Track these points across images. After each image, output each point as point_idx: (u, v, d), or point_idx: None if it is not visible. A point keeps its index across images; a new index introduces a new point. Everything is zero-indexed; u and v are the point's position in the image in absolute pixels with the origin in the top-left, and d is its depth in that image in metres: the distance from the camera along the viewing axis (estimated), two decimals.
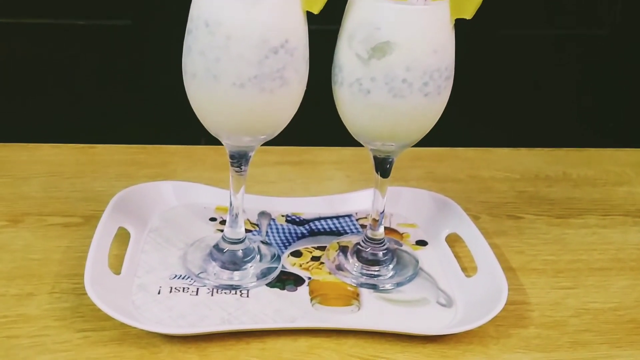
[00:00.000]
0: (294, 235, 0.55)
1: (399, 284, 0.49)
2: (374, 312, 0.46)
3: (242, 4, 0.39)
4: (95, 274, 0.44)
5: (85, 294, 0.42)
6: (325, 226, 0.56)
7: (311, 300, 0.47)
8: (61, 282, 0.47)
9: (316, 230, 0.55)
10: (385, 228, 0.53)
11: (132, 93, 1.07)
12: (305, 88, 0.44)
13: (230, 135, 0.44)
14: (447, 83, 0.44)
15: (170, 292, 0.46)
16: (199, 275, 0.48)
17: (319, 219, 0.57)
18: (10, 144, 0.67)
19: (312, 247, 0.53)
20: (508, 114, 1.14)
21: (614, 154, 0.75)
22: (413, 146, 0.48)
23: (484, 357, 0.43)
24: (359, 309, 0.47)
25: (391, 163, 0.48)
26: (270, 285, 0.48)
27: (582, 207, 0.64)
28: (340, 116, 0.46)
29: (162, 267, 0.49)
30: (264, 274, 0.49)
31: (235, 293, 0.47)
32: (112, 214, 0.51)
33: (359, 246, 0.52)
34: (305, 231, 0.55)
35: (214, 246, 0.50)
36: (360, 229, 0.56)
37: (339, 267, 0.50)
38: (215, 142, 0.49)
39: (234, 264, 0.49)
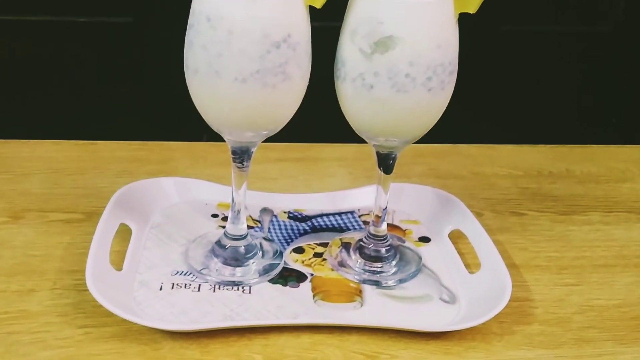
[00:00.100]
0: (296, 231, 0.54)
1: (401, 281, 0.49)
2: (377, 308, 0.46)
3: None
4: (97, 270, 0.44)
5: (87, 290, 0.42)
6: (328, 223, 0.56)
7: (314, 296, 0.47)
8: (62, 279, 0.47)
9: (318, 227, 0.55)
10: (388, 224, 0.53)
11: (134, 90, 1.07)
12: (307, 83, 0.43)
13: (232, 131, 0.44)
14: (451, 78, 0.43)
15: (172, 288, 0.46)
16: (201, 271, 0.48)
17: (321, 215, 0.57)
18: (11, 140, 0.67)
19: (315, 243, 0.53)
20: (511, 111, 1.13)
21: (618, 150, 0.75)
22: (415, 143, 0.47)
23: (487, 354, 0.43)
24: (361, 305, 0.46)
25: (394, 159, 0.48)
26: (273, 281, 0.48)
27: (585, 203, 0.63)
28: (343, 112, 0.46)
29: (163, 264, 0.48)
30: (266, 270, 0.48)
31: (237, 289, 0.46)
32: (113, 210, 0.51)
33: (361, 242, 0.51)
34: (307, 227, 0.55)
35: (215, 242, 0.50)
36: (363, 226, 0.56)
37: (342, 264, 0.50)
38: (217, 138, 0.48)
39: (236, 260, 0.48)
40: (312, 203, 0.58)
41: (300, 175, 0.65)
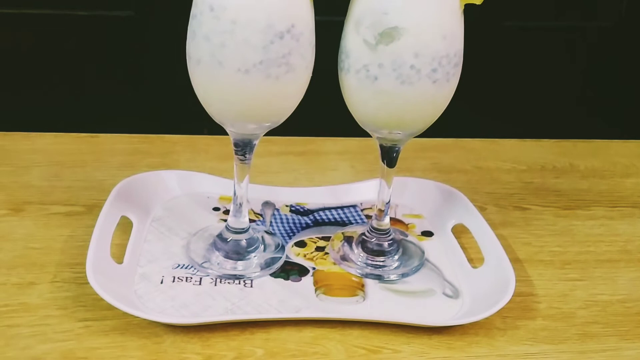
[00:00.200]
0: (298, 225, 0.54)
1: (404, 275, 0.49)
2: (379, 302, 0.46)
3: None
4: (97, 263, 0.44)
5: (87, 283, 0.42)
6: (330, 216, 0.56)
7: (315, 290, 0.46)
8: (63, 271, 0.46)
9: (320, 221, 0.55)
10: (391, 219, 0.53)
11: (135, 83, 1.06)
12: (311, 75, 0.43)
13: (235, 123, 0.43)
14: (456, 70, 0.43)
15: (173, 281, 0.46)
16: (202, 264, 0.47)
17: (323, 209, 0.56)
18: (12, 132, 0.66)
19: (317, 237, 0.53)
20: (514, 105, 1.13)
21: (622, 145, 0.75)
22: (418, 137, 0.47)
23: (490, 349, 0.43)
24: (364, 299, 0.46)
25: (397, 152, 0.48)
26: (274, 275, 0.47)
27: (589, 198, 0.63)
28: (347, 104, 0.45)
29: (164, 257, 0.48)
30: (267, 264, 0.48)
31: (239, 283, 0.46)
32: (114, 202, 0.51)
33: (364, 236, 0.51)
34: (309, 221, 0.55)
35: (217, 236, 0.49)
36: (365, 220, 0.55)
37: (344, 258, 0.50)
38: (218, 132, 0.48)
39: (238, 253, 0.48)
40: (314, 197, 0.58)
41: (302, 169, 0.64)
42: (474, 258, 0.51)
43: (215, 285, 0.46)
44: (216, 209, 0.55)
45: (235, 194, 0.48)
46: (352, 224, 0.55)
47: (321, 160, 0.67)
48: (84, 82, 1.07)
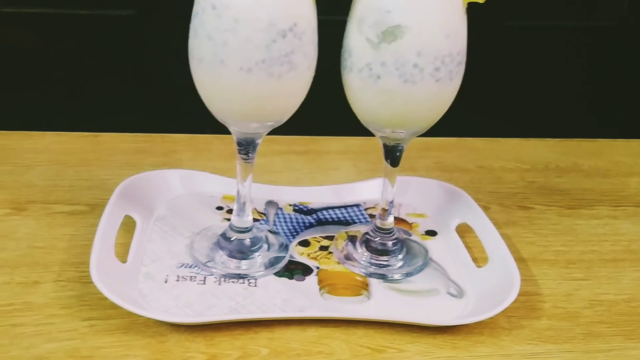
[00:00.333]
0: (301, 224, 0.54)
1: (408, 274, 0.49)
2: (383, 302, 0.46)
3: None
4: (101, 262, 0.44)
5: (91, 282, 0.42)
6: (333, 215, 0.55)
7: (320, 290, 0.46)
8: (67, 271, 0.46)
9: (324, 220, 0.55)
10: (395, 218, 0.53)
11: (137, 82, 1.06)
12: (313, 73, 0.43)
13: (237, 122, 0.43)
14: (459, 68, 0.43)
15: (177, 280, 0.46)
16: (206, 264, 0.47)
17: (326, 208, 0.56)
18: (14, 132, 0.66)
19: (320, 236, 0.52)
20: (516, 104, 1.13)
21: (625, 144, 0.74)
22: (421, 136, 0.47)
23: (495, 349, 0.43)
24: (368, 299, 0.46)
25: (401, 151, 0.48)
26: (278, 274, 0.47)
27: (593, 197, 0.63)
28: (349, 102, 0.45)
29: (168, 256, 0.48)
30: (271, 263, 0.48)
31: (243, 282, 0.46)
32: (117, 202, 0.51)
33: (367, 236, 0.51)
34: (312, 220, 0.55)
35: (221, 235, 0.49)
36: (369, 219, 0.55)
37: (348, 257, 0.50)
38: (221, 131, 0.48)
39: (242, 252, 0.48)
40: (317, 196, 0.58)
41: (305, 168, 0.64)
42: (478, 257, 0.51)
43: (220, 284, 0.46)
44: (219, 208, 0.55)
45: (238, 193, 0.48)
46: (355, 223, 0.55)
47: (324, 159, 0.67)
48: (86, 81, 1.07)
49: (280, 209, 0.56)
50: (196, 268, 0.47)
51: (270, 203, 0.56)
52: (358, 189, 0.59)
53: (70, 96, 1.06)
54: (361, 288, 0.47)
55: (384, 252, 0.50)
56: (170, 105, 1.01)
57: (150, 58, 1.07)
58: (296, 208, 0.56)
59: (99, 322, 0.42)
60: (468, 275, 0.49)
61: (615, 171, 0.68)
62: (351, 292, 0.46)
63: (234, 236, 0.49)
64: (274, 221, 0.54)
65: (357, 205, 0.57)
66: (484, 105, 1.05)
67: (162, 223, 0.52)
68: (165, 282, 0.45)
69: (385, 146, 0.47)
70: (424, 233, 0.54)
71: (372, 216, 0.56)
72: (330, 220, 0.55)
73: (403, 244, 0.51)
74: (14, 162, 0.61)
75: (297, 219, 0.55)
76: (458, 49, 0.42)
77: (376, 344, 0.42)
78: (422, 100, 0.42)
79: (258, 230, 0.50)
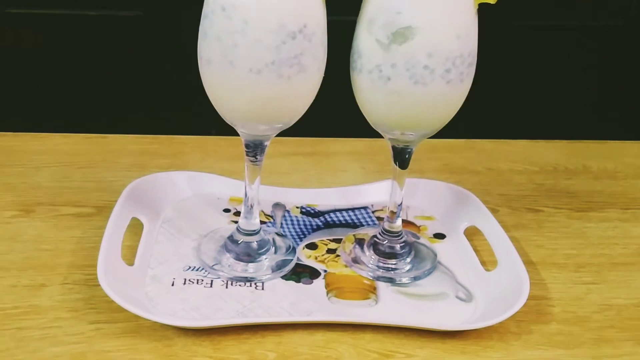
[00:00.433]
0: (308, 227, 0.53)
1: (416, 278, 0.48)
2: (391, 306, 0.45)
3: None
4: (108, 265, 0.44)
5: (98, 285, 0.42)
6: (341, 218, 0.55)
7: (327, 293, 0.46)
8: (73, 273, 0.46)
9: (331, 222, 0.54)
10: (403, 220, 0.52)
11: (144, 83, 1.06)
12: (323, 75, 0.42)
13: (246, 124, 0.43)
14: (470, 70, 0.42)
15: (184, 283, 0.45)
16: (213, 267, 0.47)
17: (334, 210, 0.56)
18: (22, 133, 0.66)
19: (328, 239, 0.52)
20: (524, 106, 1.12)
21: (635, 146, 0.74)
22: (429, 137, 0.46)
23: (505, 354, 0.42)
24: (376, 302, 0.46)
25: (410, 153, 0.47)
26: (286, 277, 0.47)
27: (602, 200, 0.62)
28: (359, 104, 0.45)
29: (175, 259, 0.48)
30: (279, 266, 0.48)
31: (250, 285, 0.46)
32: (125, 204, 0.50)
33: (375, 239, 0.50)
34: (320, 223, 0.54)
35: (228, 237, 0.49)
36: (377, 222, 0.55)
37: (355, 260, 0.49)
38: (227, 132, 0.48)
39: (249, 255, 0.48)
40: (324, 198, 0.57)
41: (312, 170, 0.64)
42: (487, 261, 0.51)
43: (227, 287, 0.45)
44: (226, 210, 0.55)
45: (246, 195, 0.47)
46: (363, 225, 0.54)
47: (331, 161, 0.66)
48: (93, 83, 1.07)
49: (288, 211, 0.55)
50: (203, 271, 0.47)
51: (277, 205, 0.56)
52: (366, 191, 0.58)
53: (77, 97, 1.06)
54: (369, 292, 0.47)
55: (392, 255, 0.49)
56: (178, 107, 1.01)
57: (157, 59, 1.07)
58: (303, 210, 0.56)
59: (106, 325, 0.42)
60: (477, 279, 0.49)
61: (624, 173, 0.68)
62: (359, 295, 0.46)
63: (241, 239, 0.48)
64: (281, 223, 0.54)
65: (365, 208, 0.57)
66: (492, 107, 1.04)
67: (169, 225, 0.52)
68: (172, 285, 0.45)
69: (394, 148, 0.47)
70: (432, 236, 0.54)
71: (380, 219, 0.55)
72: (337, 222, 0.55)
73: (411, 247, 0.51)
74: (21, 163, 0.61)
75: (304, 221, 0.54)
76: (469, 50, 0.42)
77: (384, 348, 0.42)
78: (432, 102, 0.42)
79: (265, 233, 0.50)
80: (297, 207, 0.56)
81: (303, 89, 0.41)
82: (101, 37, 1.06)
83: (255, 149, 0.45)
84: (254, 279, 0.46)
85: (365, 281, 0.48)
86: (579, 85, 1.15)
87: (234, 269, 0.47)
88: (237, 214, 0.54)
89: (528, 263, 0.50)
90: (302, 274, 0.48)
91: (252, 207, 0.48)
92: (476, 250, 0.52)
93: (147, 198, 0.53)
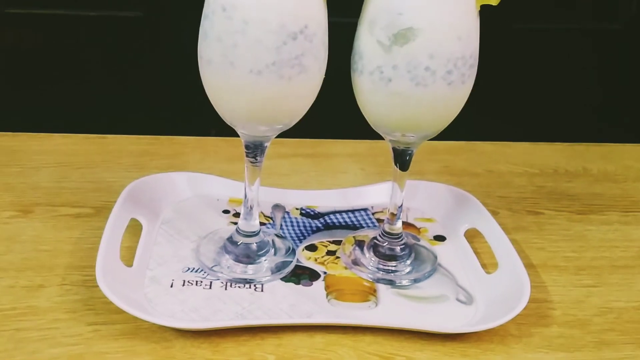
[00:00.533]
0: (308, 228, 0.53)
1: (416, 280, 0.48)
2: (391, 308, 0.45)
3: None
4: (107, 266, 0.43)
5: (97, 286, 0.41)
6: (341, 220, 0.55)
7: (327, 295, 0.46)
8: (72, 274, 0.46)
9: (331, 224, 0.54)
10: (403, 222, 0.52)
11: (143, 84, 1.06)
12: (324, 76, 0.42)
13: (246, 124, 0.43)
14: (472, 71, 0.42)
15: (183, 285, 0.45)
16: (212, 268, 0.47)
17: (334, 212, 0.56)
18: (21, 133, 0.66)
19: (328, 241, 0.52)
20: (524, 108, 1.12)
21: (635, 149, 0.74)
22: (429, 139, 0.46)
23: (505, 357, 0.42)
24: (376, 305, 0.45)
25: (411, 155, 0.47)
26: (285, 279, 0.47)
27: (603, 203, 0.62)
28: (359, 106, 0.45)
29: (174, 260, 0.48)
30: (278, 268, 0.47)
31: (250, 287, 0.46)
32: (124, 204, 0.50)
33: (375, 241, 0.50)
34: (320, 225, 0.54)
35: (227, 239, 0.49)
36: (377, 223, 0.55)
37: (355, 262, 0.49)
38: (226, 133, 0.47)
39: (248, 257, 0.48)
40: (324, 200, 0.57)
41: (312, 171, 0.64)
42: (487, 263, 0.51)
43: (226, 289, 0.45)
44: (226, 211, 0.55)
45: (246, 196, 0.47)
46: (363, 227, 0.54)
47: (331, 162, 0.66)
48: (93, 83, 1.07)
49: (287, 212, 0.55)
50: (202, 272, 0.47)
51: (277, 207, 0.56)
52: (366, 193, 0.58)
53: (77, 97, 1.06)
54: (369, 294, 0.46)
55: (392, 257, 0.49)
56: (177, 107, 1.01)
57: (157, 59, 1.06)
58: (303, 212, 0.55)
59: (104, 327, 0.41)
60: (477, 281, 0.48)
61: (625, 176, 0.68)
62: (359, 298, 0.46)
63: (241, 240, 0.48)
64: (281, 225, 0.53)
65: (365, 210, 0.57)
66: (492, 109, 1.04)
67: (168, 226, 0.52)
68: (171, 286, 0.45)
69: (394, 150, 0.47)
70: (432, 238, 0.54)
71: (380, 220, 0.55)
72: (337, 224, 0.54)
73: (411, 249, 0.50)
74: (20, 163, 0.61)
75: (304, 223, 0.54)
76: (470, 51, 0.42)
77: (384, 351, 0.41)
78: (433, 103, 0.42)
79: (265, 235, 0.50)
80: (297, 209, 0.56)
81: (304, 90, 0.41)
82: (101, 38, 1.06)
83: (255, 150, 0.45)
84: (254, 280, 0.46)
85: (365, 283, 0.47)
86: (580, 88, 1.15)
87: (233, 271, 0.47)
88: (237, 215, 0.54)
89: (528, 266, 0.50)
90: (302, 275, 0.47)
91: (251, 208, 0.47)
92: (476, 253, 0.51)
93: (146, 199, 0.53)
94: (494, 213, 0.57)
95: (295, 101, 0.41)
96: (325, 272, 0.48)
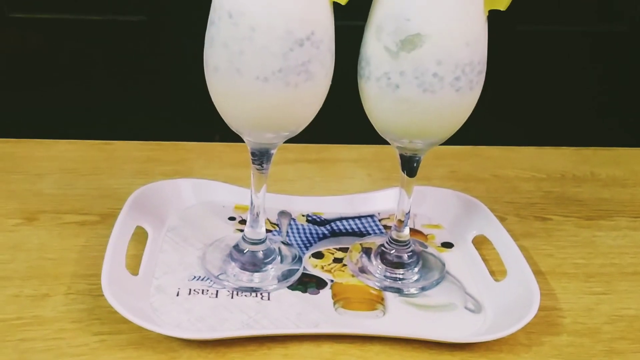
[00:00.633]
0: (315, 235, 0.53)
1: (424, 288, 0.48)
2: (399, 317, 0.45)
3: None
4: (113, 275, 0.43)
5: (102, 295, 0.41)
6: (347, 227, 0.54)
7: (334, 304, 0.45)
8: (77, 283, 0.46)
9: (338, 231, 0.54)
10: (410, 229, 0.51)
11: (147, 89, 1.06)
12: (330, 83, 0.42)
13: (252, 132, 0.42)
14: (480, 78, 0.42)
15: (189, 294, 0.45)
16: (219, 276, 0.46)
17: (340, 219, 0.55)
18: (25, 139, 0.66)
19: (334, 248, 0.51)
20: (530, 112, 1.11)
21: None
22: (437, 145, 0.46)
23: None
24: (384, 314, 0.45)
25: (418, 162, 0.47)
26: (292, 287, 0.46)
27: (611, 208, 0.61)
28: (366, 112, 0.44)
29: (180, 268, 0.47)
30: (284, 276, 0.47)
31: (256, 296, 0.45)
32: (129, 212, 0.50)
33: (383, 248, 0.50)
34: (326, 232, 0.54)
35: (234, 246, 0.48)
36: (383, 230, 0.54)
37: (362, 270, 0.49)
38: (230, 138, 0.47)
39: (254, 265, 0.47)
40: (330, 206, 0.57)
41: (318, 177, 0.63)
42: (496, 270, 0.50)
43: (232, 298, 0.45)
44: (232, 218, 0.54)
45: (252, 203, 0.47)
46: (369, 234, 0.54)
47: (337, 168, 0.66)
48: (97, 88, 1.07)
49: (293, 219, 0.55)
50: (208, 281, 0.46)
51: (283, 213, 0.55)
52: (372, 199, 0.58)
53: (81, 103, 1.06)
54: (376, 302, 0.46)
55: (400, 265, 0.49)
56: (182, 113, 1.01)
57: (161, 64, 1.06)
58: (309, 219, 0.55)
59: (110, 337, 0.41)
60: (486, 289, 0.48)
61: (633, 180, 0.67)
62: (366, 306, 0.45)
63: (247, 248, 0.48)
64: (287, 232, 0.53)
65: (372, 216, 0.56)
66: (497, 113, 1.03)
67: (173, 234, 0.51)
68: (177, 295, 0.45)
69: (402, 156, 0.46)
70: (440, 245, 0.53)
71: (387, 227, 0.55)
72: (344, 231, 0.54)
73: (419, 257, 0.50)
74: (25, 170, 0.61)
75: (310, 230, 0.54)
76: (479, 57, 0.41)
77: None
78: (441, 110, 0.41)
79: (271, 242, 0.49)
80: (303, 215, 0.55)
81: (310, 96, 0.41)
82: (105, 42, 1.06)
83: (261, 157, 0.45)
84: (260, 289, 0.46)
85: (373, 291, 0.47)
86: (587, 91, 1.14)
87: (239, 279, 0.46)
88: (243, 222, 0.53)
89: (537, 273, 0.50)
90: (309, 284, 0.47)
91: (258, 215, 0.47)
92: (485, 260, 0.51)
93: (152, 206, 0.52)
94: (502, 219, 0.56)
95: (301, 108, 0.41)
96: (332, 280, 0.48)
